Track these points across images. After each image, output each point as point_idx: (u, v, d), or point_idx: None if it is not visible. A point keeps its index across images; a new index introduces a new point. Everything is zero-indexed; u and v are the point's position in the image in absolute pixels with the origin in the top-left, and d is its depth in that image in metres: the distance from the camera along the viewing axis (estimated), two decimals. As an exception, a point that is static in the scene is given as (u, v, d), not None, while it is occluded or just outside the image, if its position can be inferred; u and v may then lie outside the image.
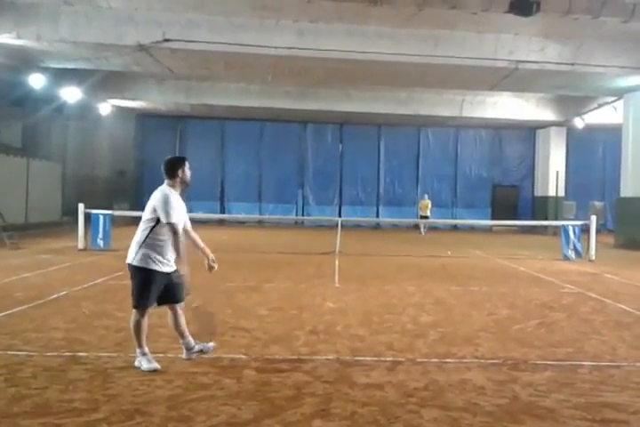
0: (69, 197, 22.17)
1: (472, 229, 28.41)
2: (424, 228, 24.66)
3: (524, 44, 16.08)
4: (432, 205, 25.83)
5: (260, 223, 28.70)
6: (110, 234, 14.64)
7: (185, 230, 5.27)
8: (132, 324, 5.07)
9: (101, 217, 14.61)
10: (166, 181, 5.18)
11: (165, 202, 4.99)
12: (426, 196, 25.87)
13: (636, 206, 18.38)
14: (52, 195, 22.37)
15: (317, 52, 15.55)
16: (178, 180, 5.17)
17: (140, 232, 5.09)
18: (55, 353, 5.40)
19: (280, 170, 29.45)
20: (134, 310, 5.06)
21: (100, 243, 14.51)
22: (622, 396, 4.62)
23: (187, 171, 5.22)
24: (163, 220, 4.96)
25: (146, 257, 4.99)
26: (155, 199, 5.06)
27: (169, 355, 5.41)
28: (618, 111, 21.13)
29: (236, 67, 18.34)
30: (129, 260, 5.08)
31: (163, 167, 5.19)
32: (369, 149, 30.04)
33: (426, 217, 24.64)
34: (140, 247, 5.02)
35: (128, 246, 5.12)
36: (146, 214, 5.12)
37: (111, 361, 5.19)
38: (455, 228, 29.22)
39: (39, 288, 8.87)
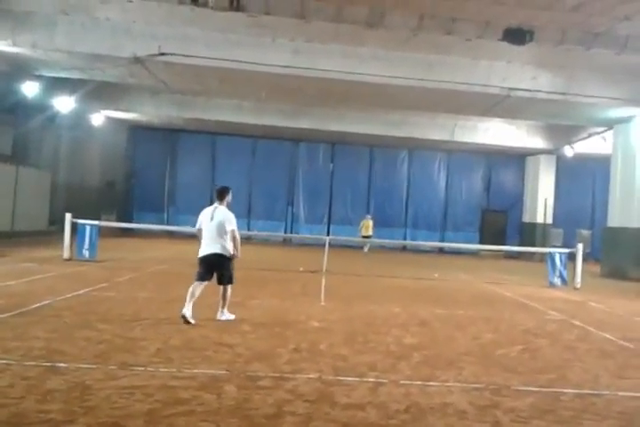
0: (57, 207, 22.06)
1: (459, 252, 28.44)
2: (366, 247, 24.51)
3: (517, 71, 16.27)
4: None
5: (248, 240, 28.57)
6: (96, 245, 14.52)
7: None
8: (230, 293, 7.93)
9: (88, 227, 14.50)
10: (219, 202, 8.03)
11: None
12: (368, 216, 25.81)
13: (623, 236, 18.52)
14: (39, 203, 22.23)
15: (312, 71, 15.64)
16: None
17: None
18: (34, 363, 5.33)
19: (270, 187, 29.48)
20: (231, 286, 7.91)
21: (86, 253, 14.38)
22: (603, 425, 4.61)
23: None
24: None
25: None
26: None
27: (149, 369, 5.35)
28: (607, 142, 21.33)
29: (230, 83, 18.43)
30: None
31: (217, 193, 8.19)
32: (360, 169, 30.19)
33: (367, 237, 24.31)
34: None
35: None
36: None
37: (90, 373, 5.12)
38: (442, 251, 29.25)
39: (22, 297, 8.77)
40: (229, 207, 8.09)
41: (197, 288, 7.67)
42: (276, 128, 25.71)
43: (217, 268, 7.80)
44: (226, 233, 7.75)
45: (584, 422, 4.63)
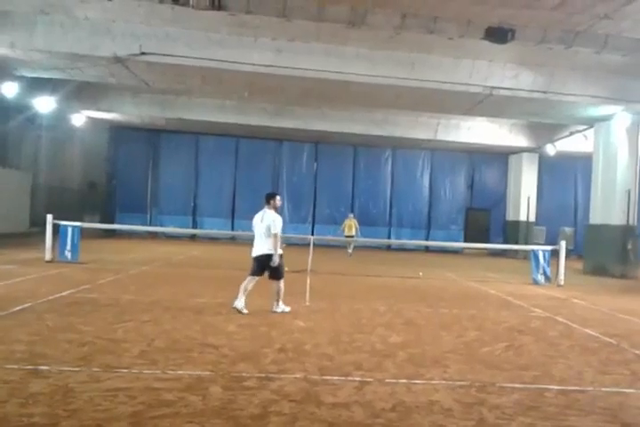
0: (38, 208, 21.83)
1: (444, 251, 28.54)
2: (350, 248, 23.10)
3: (499, 70, 16.36)
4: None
5: (233, 239, 28.53)
6: (79, 246, 14.39)
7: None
8: (282, 287, 8.93)
9: (70, 229, 14.37)
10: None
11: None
12: (350, 215, 24.37)
13: (605, 233, 18.67)
14: (20, 205, 21.99)
15: (294, 70, 15.63)
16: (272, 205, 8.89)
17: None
18: (16, 366, 5.26)
19: (254, 187, 29.21)
20: (282, 280, 8.91)
21: (68, 255, 14.25)
22: (587, 420, 4.63)
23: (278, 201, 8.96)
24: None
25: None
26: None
27: (133, 370, 5.30)
28: (589, 140, 21.50)
29: (212, 82, 18.34)
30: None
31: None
32: (344, 168, 30.17)
33: (351, 236, 22.71)
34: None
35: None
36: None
37: (73, 375, 5.06)
38: (427, 250, 29.33)
39: (2, 300, 8.66)
40: (278, 211, 8.99)
41: (250, 282, 8.80)
42: (259, 128, 25.61)
43: (267, 267, 8.76)
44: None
45: (568, 418, 4.66)
